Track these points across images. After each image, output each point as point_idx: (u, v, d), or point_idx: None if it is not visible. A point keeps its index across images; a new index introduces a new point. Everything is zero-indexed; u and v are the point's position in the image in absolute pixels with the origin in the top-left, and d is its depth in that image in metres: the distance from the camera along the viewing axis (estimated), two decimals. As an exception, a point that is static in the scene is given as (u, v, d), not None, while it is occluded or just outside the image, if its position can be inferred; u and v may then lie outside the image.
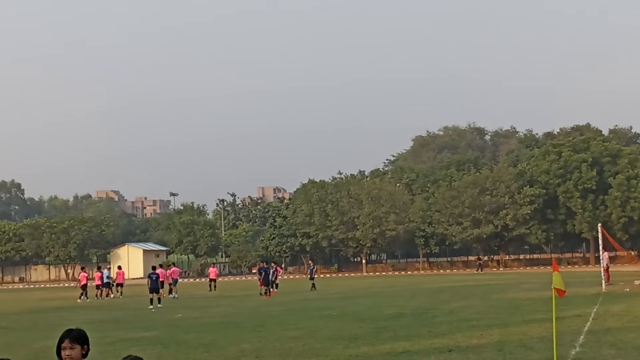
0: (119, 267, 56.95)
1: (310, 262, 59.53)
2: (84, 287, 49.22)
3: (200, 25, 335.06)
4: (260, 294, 45.91)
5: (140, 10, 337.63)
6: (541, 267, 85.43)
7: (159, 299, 39.68)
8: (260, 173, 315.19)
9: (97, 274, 52.81)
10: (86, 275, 50.91)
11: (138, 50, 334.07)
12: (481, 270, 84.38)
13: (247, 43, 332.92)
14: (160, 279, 42.46)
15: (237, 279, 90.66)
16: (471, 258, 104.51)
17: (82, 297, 48.32)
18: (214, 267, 63.12)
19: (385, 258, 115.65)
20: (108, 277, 53.00)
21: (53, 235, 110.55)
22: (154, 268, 42.80)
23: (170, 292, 47.48)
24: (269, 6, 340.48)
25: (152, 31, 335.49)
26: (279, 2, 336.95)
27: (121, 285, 53.16)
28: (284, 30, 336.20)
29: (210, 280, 57.96)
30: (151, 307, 38.14)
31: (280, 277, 56.06)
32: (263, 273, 46.36)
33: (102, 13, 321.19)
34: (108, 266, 77.07)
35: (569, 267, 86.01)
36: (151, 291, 39.55)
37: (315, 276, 56.12)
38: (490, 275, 69.42)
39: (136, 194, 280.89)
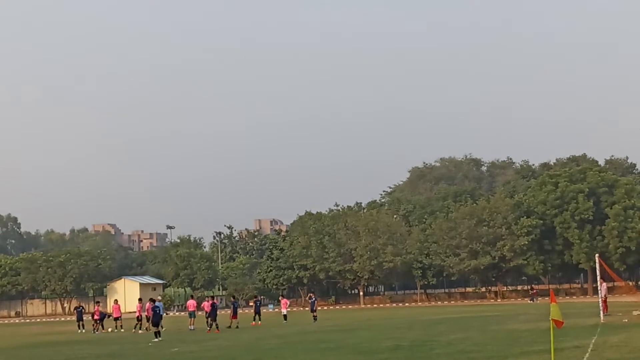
0: (115, 301, 58.10)
1: (311, 295, 59.90)
2: (139, 318, 50.33)
3: (195, 63, 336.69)
4: (229, 326, 46.93)
5: (136, 49, 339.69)
6: (539, 298, 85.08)
7: (159, 333, 39.68)
8: (257, 205, 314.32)
9: (96, 309, 54.13)
10: (140, 306, 52.13)
11: (133, 88, 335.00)
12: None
13: (240, 78, 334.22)
14: (192, 309, 50.12)
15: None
16: (468, 289, 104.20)
17: (135, 328, 49.40)
18: (208, 301, 63.26)
19: (382, 290, 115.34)
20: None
21: (49, 269, 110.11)
22: (153, 301, 43.99)
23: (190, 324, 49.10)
24: (266, 42, 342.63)
25: (146, 70, 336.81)
26: (274, 40, 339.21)
27: (119, 318, 53.91)
28: (276, 65, 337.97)
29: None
30: (155, 339, 38.52)
31: (287, 309, 56.25)
32: (256, 306, 52.42)
33: (94, 51, 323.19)
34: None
35: (567, 297, 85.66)
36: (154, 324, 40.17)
37: (318, 308, 56.84)
38: (488, 307, 69.17)
39: (133, 227, 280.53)
